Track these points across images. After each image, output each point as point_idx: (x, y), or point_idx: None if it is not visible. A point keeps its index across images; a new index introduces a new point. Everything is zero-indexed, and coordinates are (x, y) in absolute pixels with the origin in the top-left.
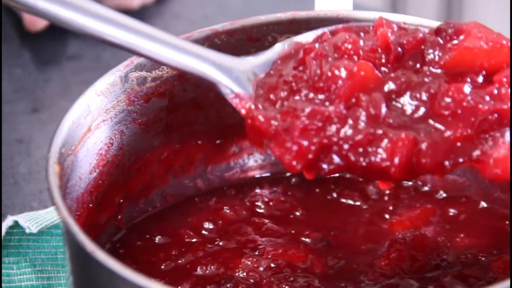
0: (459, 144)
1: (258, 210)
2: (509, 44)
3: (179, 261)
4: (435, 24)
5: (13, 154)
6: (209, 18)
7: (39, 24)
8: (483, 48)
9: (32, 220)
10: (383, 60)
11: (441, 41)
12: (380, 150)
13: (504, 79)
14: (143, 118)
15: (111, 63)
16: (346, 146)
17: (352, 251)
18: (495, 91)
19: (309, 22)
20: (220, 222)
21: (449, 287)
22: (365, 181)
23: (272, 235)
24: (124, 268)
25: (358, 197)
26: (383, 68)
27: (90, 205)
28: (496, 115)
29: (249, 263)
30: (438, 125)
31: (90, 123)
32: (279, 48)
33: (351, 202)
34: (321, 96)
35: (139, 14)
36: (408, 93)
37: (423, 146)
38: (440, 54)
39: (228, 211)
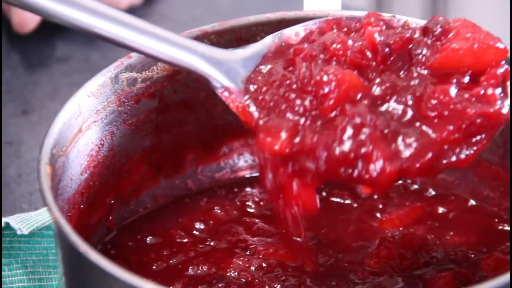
0: (446, 147)
1: (249, 210)
2: (496, 44)
3: (171, 261)
4: (421, 22)
5: (2, 156)
6: (196, 19)
7: (28, 26)
8: (470, 49)
9: (23, 222)
10: (372, 62)
11: (428, 42)
12: (360, 167)
13: (492, 81)
14: (134, 119)
15: (100, 65)
16: (325, 156)
17: (342, 249)
18: (482, 92)
19: (298, 22)
20: (211, 222)
21: (438, 285)
22: None
23: (263, 234)
24: (117, 268)
25: (348, 195)
26: (369, 71)
27: (81, 206)
28: (482, 118)
29: (241, 262)
30: (425, 128)
31: (81, 124)
32: (269, 40)
33: (341, 200)
34: (308, 100)
35: None
36: (394, 98)
37: (407, 153)
38: (428, 54)
39: (219, 211)
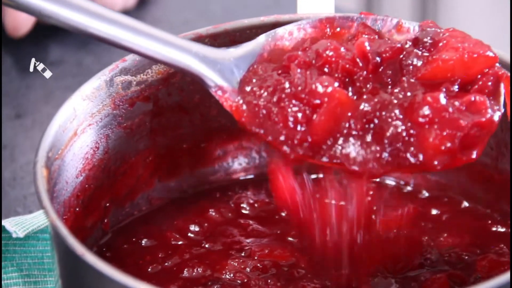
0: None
1: (244, 212)
2: (486, 53)
3: (166, 264)
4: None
5: None
6: (189, 23)
7: (21, 30)
8: (461, 59)
9: (18, 225)
10: (363, 72)
11: (419, 53)
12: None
13: (484, 89)
14: (128, 122)
15: (93, 69)
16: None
17: None
18: (472, 99)
19: None
20: (206, 224)
21: (433, 287)
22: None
23: (258, 236)
24: (114, 270)
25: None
26: (361, 79)
27: (77, 209)
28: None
29: (236, 264)
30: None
31: (76, 127)
32: (262, 39)
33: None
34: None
35: None
36: (383, 113)
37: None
38: (418, 64)
39: (213, 213)
